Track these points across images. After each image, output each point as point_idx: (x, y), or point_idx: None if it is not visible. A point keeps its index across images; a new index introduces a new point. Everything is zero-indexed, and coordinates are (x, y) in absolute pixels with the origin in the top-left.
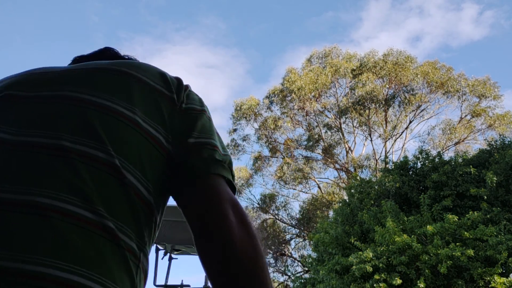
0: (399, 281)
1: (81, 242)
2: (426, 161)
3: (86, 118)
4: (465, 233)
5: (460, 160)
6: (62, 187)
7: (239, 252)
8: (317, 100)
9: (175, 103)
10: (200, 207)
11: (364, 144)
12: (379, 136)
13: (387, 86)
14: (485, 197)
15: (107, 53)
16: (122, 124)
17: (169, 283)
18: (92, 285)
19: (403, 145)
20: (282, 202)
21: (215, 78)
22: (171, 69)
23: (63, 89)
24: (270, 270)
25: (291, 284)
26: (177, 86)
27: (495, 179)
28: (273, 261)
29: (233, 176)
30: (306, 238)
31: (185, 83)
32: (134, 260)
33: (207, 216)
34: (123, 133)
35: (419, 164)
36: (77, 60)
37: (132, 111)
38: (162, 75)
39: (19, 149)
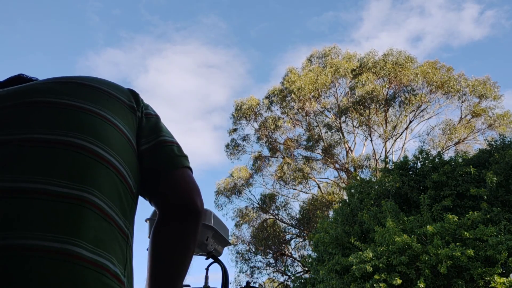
0: (399, 281)
1: (72, 216)
2: (426, 161)
3: (75, 118)
4: (465, 233)
5: (460, 160)
6: (60, 174)
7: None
8: (317, 100)
9: (135, 110)
10: (176, 192)
11: (364, 144)
12: (379, 136)
13: (387, 86)
14: (485, 197)
15: (23, 79)
16: (103, 122)
17: None
18: (84, 253)
19: (403, 145)
20: (282, 202)
21: (215, 77)
22: (171, 69)
23: (48, 97)
24: (270, 270)
25: (291, 284)
26: (133, 96)
27: (495, 179)
28: (273, 261)
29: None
30: (306, 238)
31: (137, 91)
32: (124, 237)
33: (183, 193)
34: (105, 130)
35: (419, 164)
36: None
37: (110, 115)
38: (121, 88)
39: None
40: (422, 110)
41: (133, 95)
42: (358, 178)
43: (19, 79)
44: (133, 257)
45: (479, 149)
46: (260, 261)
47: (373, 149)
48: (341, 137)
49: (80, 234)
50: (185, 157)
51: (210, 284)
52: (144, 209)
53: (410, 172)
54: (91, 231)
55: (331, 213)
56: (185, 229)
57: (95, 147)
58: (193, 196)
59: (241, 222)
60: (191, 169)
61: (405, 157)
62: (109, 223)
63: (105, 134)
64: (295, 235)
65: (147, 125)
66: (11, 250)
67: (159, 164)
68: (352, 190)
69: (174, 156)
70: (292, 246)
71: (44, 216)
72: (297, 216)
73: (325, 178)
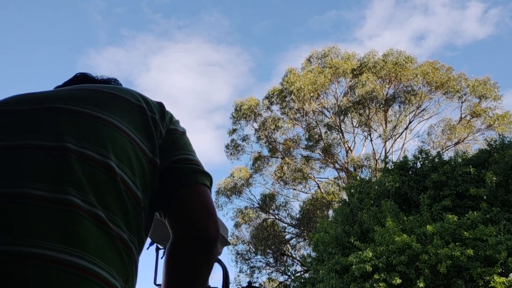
0: (398, 281)
1: (74, 227)
2: (426, 161)
3: (84, 126)
4: (465, 233)
5: (459, 160)
6: (61, 181)
7: (209, 253)
8: (317, 100)
9: (157, 123)
10: (187, 216)
11: (363, 144)
12: (379, 136)
13: (387, 86)
14: (485, 197)
15: (88, 78)
16: (115, 132)
17: None
18: (85, 264)
19: (403, 145)
20: (282, 202)
21: (218, 76)
22: (173, 67)
23: (67, 104)
24: (270, 269)
25: (291, 284)
26: (159, 109)
27: (495, 179)
28: (273, 261)
29: (211, 182)
30: (306, 238)
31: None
32: (126, 250)
33: (195, 217)
34: (116, 139)
35: (418, 164)
36: (65, 85)
37: (123, 124)
38: (146, 98)
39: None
40: (422, 110)
41: (160, 108)
42: (358, 178)
43: (86, 78)
44: (137, 273)
45: (479, 149)
46: (260, 261)
47: (373, 149)
48: (341, 137)
49: (79, 244)
50: (204, 174)
51: (210, 283)
52: None
53: (410, 172)
54: (90, 241)
55: (331, 213)
56: (197, 261)
57: (99, 156)
58: (206, 222)
59: (241, 222)
60: (209, 188)
61: (405, 157)
62: (108, 234)
63: (114, 144)
64: (295, 235)
65: (170, 141)
66: (9, 257)
67: (174, 181)
68: (352, 190)
69: (190, 173)
70: (292, 246)
71: (41, 223)
72: (297, 216)
73: (325, 178)
